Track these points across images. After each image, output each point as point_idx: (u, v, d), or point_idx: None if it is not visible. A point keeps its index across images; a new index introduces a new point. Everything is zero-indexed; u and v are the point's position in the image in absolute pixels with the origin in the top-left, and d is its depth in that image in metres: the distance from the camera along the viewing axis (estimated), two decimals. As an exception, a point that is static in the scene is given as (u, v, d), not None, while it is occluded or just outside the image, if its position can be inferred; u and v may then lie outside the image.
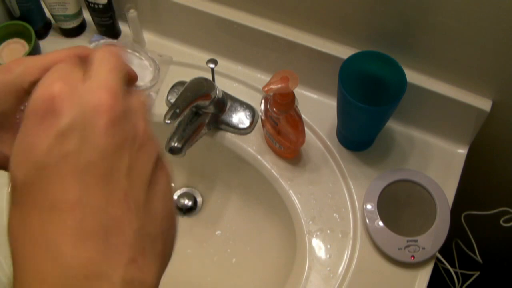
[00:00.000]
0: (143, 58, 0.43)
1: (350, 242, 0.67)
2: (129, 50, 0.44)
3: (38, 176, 0.25)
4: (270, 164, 0.74)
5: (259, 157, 0.75)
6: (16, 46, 0.81)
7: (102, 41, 0.43)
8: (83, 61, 0.31)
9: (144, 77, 0.42)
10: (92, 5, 0.79)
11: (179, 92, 0.66)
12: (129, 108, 0.28)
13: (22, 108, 0.36)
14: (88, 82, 0.28)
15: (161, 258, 0.29)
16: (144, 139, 0.28)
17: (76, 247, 0.24)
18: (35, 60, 0.35)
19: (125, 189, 0.26)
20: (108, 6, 0.79)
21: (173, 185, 0.84)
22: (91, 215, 0.25)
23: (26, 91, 0.35)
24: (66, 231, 0.24)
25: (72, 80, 0.28)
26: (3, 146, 0.36)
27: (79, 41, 0.84)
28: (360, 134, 0.71)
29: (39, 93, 0.27)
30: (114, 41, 0.43)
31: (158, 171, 0.29)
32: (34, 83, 0.34)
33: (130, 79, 0.39)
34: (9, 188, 0.26)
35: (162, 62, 0.43)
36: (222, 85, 0.78)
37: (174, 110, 0.63)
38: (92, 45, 0.42)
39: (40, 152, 0.25)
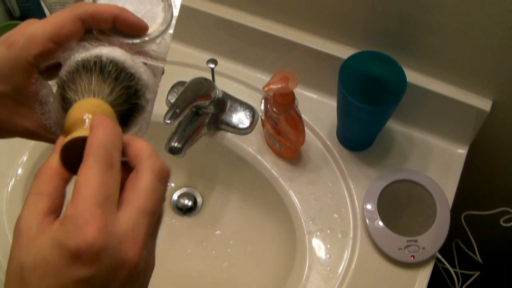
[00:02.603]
0: None
1: (350, 242, 0.67)
2: None
3: None
4: (270, 164, 0.74)
5: (259, 157, 0.75)
6: None
7: None
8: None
9: (156, 16, 0.40)
10: (92, 5, 0.79)
11: (179, 92, 0.66)
12: (149, 250, 0.30)
13: (32, 81, 0.35)
14: (121, 225, 0.29)
15: None
16: (145, 273, 0.31)
17: None
18: (36, 28, 0.34)
19: None
20: (108, 6, 0.79)
21: (173, 185, 0.84)
22: None
23: (32, 65, 0.35)
24: None
25: (107, 215, 0.28)
26: (22, 120, 0.36)
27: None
28: (360, 134, 0.71)
29: (73, 231, 0.27)
30: None
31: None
32: (38, 56, 0.34)
33: (139, 31, 0.38)
34: (12, 274, 0.28)
35: None
36: (222, 85, 0.78)
37: (174, 110, 0.63)
38: None
39: (56, 284, 0.27)
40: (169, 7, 0.40)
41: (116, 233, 0.28)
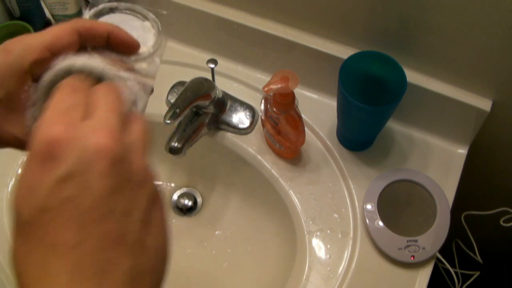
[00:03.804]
0: (145, 19, 0.44)
1: (350, 242, 0.67)
2: (129, 11, 0.44)
3: (41, 217, 0.27)
4: (270, 164, 0.74)
5: (259, 157, 0.75)
6: None
7: (100, 6, 0.44)
8: (84, 91, 0.31)
9: (147, 41, 0.42)
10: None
11: (179, 92, 0.66)
12: (128, 145, 0.29)
13: (26, 88, 0.36)
14: (88, 121, 0.29)
15: None
16: (141, 177, 0.29)
17: (72, 285, 0.26)
18: (34, 38, 0.35)
19: (120, 231, 0.28)
20: (108, 6, 0.79)
21: (173, 185, 0.84)
22: (87, 256, 0.26)
23: (27, 72, 0.35)
24: (64, 270, 0.26)
25: (72, 118, 0.29)
26: (12, 127, 0.36)
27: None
28: (360, 134, 0.71)
29: (40, 134, 0.28)
30: (114, 3, 0.43)
31: (154, 207, 0.30)
32: (34, 63, 0.35)
33: (131, 48, 0.39)
34: (13, 217, 0.28)
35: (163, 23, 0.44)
36: (222, 85, 0.78)
37: (174, 110, 0.63)
38: (91, 12, 0.43)
39: (41, 195, 0.27)
40: (159, 33, 0.42)
41: (83, 127, 0.28)
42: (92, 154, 0.27)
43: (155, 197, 0.31)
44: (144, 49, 0.41)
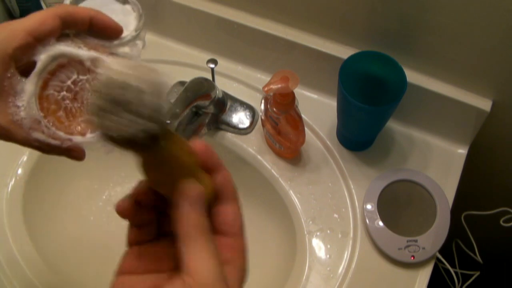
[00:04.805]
0: (125, 2, 0.44)
1: (350, 242, 0.67)
2: None
3: None
4: (270, 164, 0.74)
5: (259, 157, 0.75)
6: None
7: None
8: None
9: (128, 25, 0.42)
10: (92, 5, 0.79)
11: (179, 92, 0.66)
12: None
13: (8, 75, 0.36)
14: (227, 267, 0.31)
15: None
16: None
17: None
18: (17, 24, 0.35)
19: None
20: (108, 6, 0.79)
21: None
22: None
23: (10, 57, 0.35)
24: None
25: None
26: None
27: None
28: (360, 134, 0.71)
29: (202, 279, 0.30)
30: None
31: None
32: (17, 48, 0.35)
33: (114, 33, 0.38)
34: None
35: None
36: (222, 85, 0.78)
37: (174, 110, 0.63)
38: None
39: None
40: (140, 17, 0.42)
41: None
42: None
43: None
44: (126, 33, 0.41)
